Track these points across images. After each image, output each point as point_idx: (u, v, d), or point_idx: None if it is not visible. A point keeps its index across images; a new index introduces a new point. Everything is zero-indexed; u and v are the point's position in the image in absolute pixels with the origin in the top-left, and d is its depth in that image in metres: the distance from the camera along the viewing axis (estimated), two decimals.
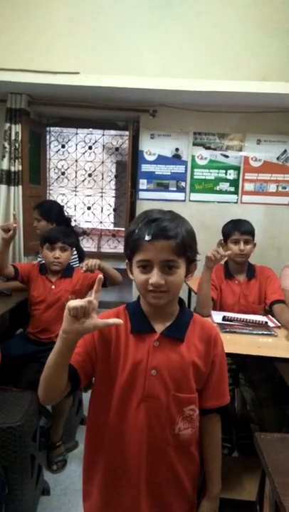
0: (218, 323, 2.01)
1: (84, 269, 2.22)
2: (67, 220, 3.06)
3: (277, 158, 3.78)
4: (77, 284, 2.35)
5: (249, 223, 2.30)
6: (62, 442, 2.21)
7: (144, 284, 1.00)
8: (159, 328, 1.06)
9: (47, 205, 3.01)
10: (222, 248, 2.18)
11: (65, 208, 4.49)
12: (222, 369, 1.11)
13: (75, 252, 2.77)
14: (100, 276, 0.92)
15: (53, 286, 2.34)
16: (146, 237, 0.96)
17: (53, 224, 2.84)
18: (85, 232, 4.57)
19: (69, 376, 0.98)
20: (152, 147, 3.77)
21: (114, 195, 4.74)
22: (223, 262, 2.37)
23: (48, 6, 3.31)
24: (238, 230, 2.24)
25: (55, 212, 2.91)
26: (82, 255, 2.93)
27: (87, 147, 4.37)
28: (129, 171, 3.83)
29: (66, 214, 3.31)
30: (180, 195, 3.82)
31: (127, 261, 1.07)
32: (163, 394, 1.04)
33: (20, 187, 3.52)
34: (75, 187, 4.49)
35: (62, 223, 2.89)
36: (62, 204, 4.46)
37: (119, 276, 2.34)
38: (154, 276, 0.97)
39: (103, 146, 4.42)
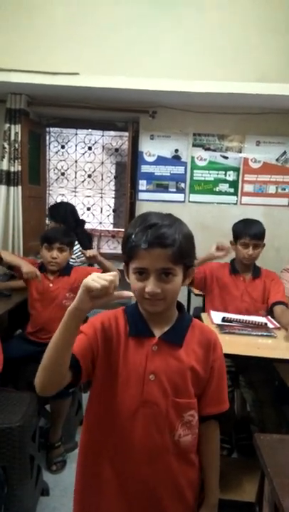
0: (217, 324, 2.01)
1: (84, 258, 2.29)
2: (80, 222, 3.09)
3: (277, 160, 3.78)
4: (75, 282, 2.35)
5: (260, 225, 2.27)
6: (61, 443, 2.21)
7: (140, 292, 0.98)
8: (158, 332, 1.05)
9: (58, 207, 3.08)
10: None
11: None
12: (221, 375, 1.10)
13: (82, 256, 2.79)
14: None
15: (51, 285, 2.35)
16: (143, 245, 0.94)
17: (60, 224, 2.87)
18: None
19: (70, 365, 0.94)
20: (152, 148, 3.78)
21: (113, 195, 4.75)
22: (229, 260, 2.39)
23: (47, 7, 3.32)
24: (248, 234, 2.22)
25: (64, 215, 2.95)
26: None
27: (86, 148, 4.37)
28: (128, 172, 3.83)
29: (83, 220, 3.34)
30: (179, 196, 3.83)
31: (124, 264, 1.05)
32: (162, 399, 1.02)
33: (19, 187, 3.52)
34: (75, 188, 4.50)
35: (73, 224, 2.92)
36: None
37: (116, 270, 2.35)
38: (150, 285, 0.95)
39: (103, 146, 4.43)
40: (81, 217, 3.35)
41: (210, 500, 1.12)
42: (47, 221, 3.02)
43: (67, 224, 2.88)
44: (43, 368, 0.92)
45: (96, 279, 0.84)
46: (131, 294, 0.90)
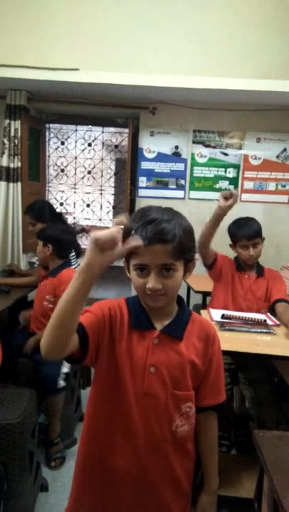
0: (216, 321, 2.02)
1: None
2: (60, 215, 3.03)
3: (277, 157, 3.77)
4: (57, 288, 2.26)
5: (255, 223, 2.24)
6: (60, 439, 2.21)
7: (141, 288, 0.99)
8: (159, 325, 1.06)
9: (37, 207, 2.91)
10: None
11: (64, 205, 4.50)
12: (219, 367, 1.11)
13: (72, 252, 2.76)
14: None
15: (41, 283, 2.41)
16: (143, 242, 0.93)
17: (43, 223, 2.78)
18: (84, 230, 4.56)
19: (78, 332, 0.93)
20: (152, 145, 3.77)
21: (113, 192, 4.74)
22: (233, 257, 2.37)
23: (48, 3, 3.31)
24: (244, 235, 2.18)
25: (47, 213, 2.87)
26: (79, 252, 2.93)
27: (86, 144, 4.36)
28: (128, 169, 3.83)
29: (61, 211, 3.26)
30: (179, 193, 3.82)
31: (124, 260, 1.05)
32: (161, 391, 1.04)
33: (19, 184, 3.51)
34: (75, 184, 4.49)
35: (56, 220, 2.86)
36: (60, 201, 4.48)
37: None
38: (151, 281, 0.96)
39: (103, 143, 4.41)
40: (83, 214, 3.25)
41: (210, 486, 1.15)
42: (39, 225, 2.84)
43: (46, 219, 2.81)
44: (49, 329, 0.89)
45: (103, 232, 0.83)
46: (140, 242, 0.89)
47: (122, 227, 0.85)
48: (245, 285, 2.29)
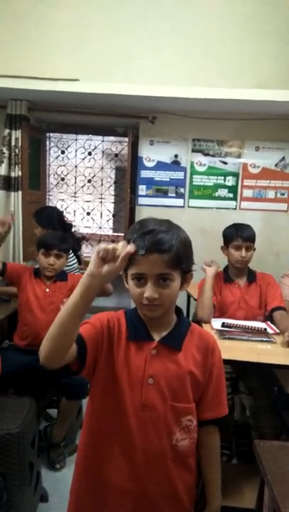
0: (217, 330, 2.02)
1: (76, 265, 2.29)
2: (67, 226, 3.03)
3: (276, 165, 3.79)
4: (72, 288, 2.32)
5: (251, 228, 2.29)
6: (64, 444, 2.20)
7: (138, 297, 1.00)
8: (157, 336, 1.06)
9: (44, 212, 2.94)
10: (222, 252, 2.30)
11: (64, 214, 4.50)
12: (219, 379, 1.10)
13: (75, 259, 2.77)
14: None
15: (47, 290, 2.33)
16: (140, 251, 0.95)
17: (48, 230, 2.79)
18: (84, 238, 4.57)
19: (77, 343, 0.95)
20: (151, 153, 3.79)
21: (113, 200, 4.75)
22: (222, 268, 2.38)
23: (48, 13, 3.34)
24: (240, 236, 2.23)
25: (50, 219, 2.86)
26: (80, 260, 2.93)
27: (86, 153, 4.39)
28: (128, 177, 3.84)
29: (67, 220, 3.26)
30: (179, 201, 3.83)
31: (122, 271, 1.06)
32: (160, 403, 1.03)
33: (19, 192, 3.52)
34: (75, 193, 4.51)
35: (61, 229, 2.86)
36: (61, 209, 4.49)
37: (111, 288, 2.31)
38: (148, 291, 0.97)
39: (103, 152, 4.44)
40: (83, 223, 3.25)
41: (212, 505, 1.13)
42: (39, 228, 2.85)
43: (53, 228, 2.81)
44: (49, 337, 0.92)
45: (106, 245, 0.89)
46: (134, 248, 0.93)
47: (126, 242, 0.92)
48: (237, 295, 2.28)
